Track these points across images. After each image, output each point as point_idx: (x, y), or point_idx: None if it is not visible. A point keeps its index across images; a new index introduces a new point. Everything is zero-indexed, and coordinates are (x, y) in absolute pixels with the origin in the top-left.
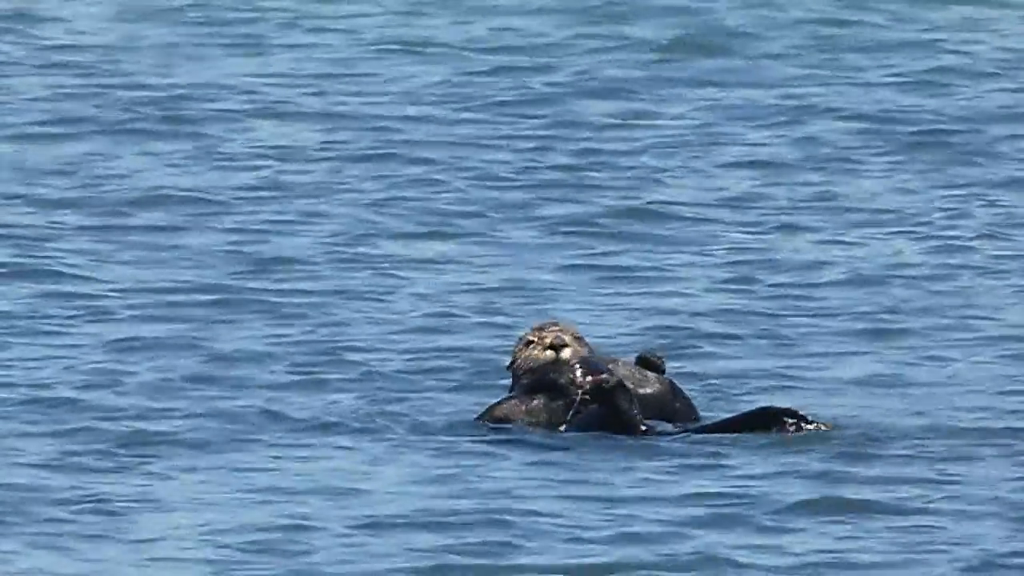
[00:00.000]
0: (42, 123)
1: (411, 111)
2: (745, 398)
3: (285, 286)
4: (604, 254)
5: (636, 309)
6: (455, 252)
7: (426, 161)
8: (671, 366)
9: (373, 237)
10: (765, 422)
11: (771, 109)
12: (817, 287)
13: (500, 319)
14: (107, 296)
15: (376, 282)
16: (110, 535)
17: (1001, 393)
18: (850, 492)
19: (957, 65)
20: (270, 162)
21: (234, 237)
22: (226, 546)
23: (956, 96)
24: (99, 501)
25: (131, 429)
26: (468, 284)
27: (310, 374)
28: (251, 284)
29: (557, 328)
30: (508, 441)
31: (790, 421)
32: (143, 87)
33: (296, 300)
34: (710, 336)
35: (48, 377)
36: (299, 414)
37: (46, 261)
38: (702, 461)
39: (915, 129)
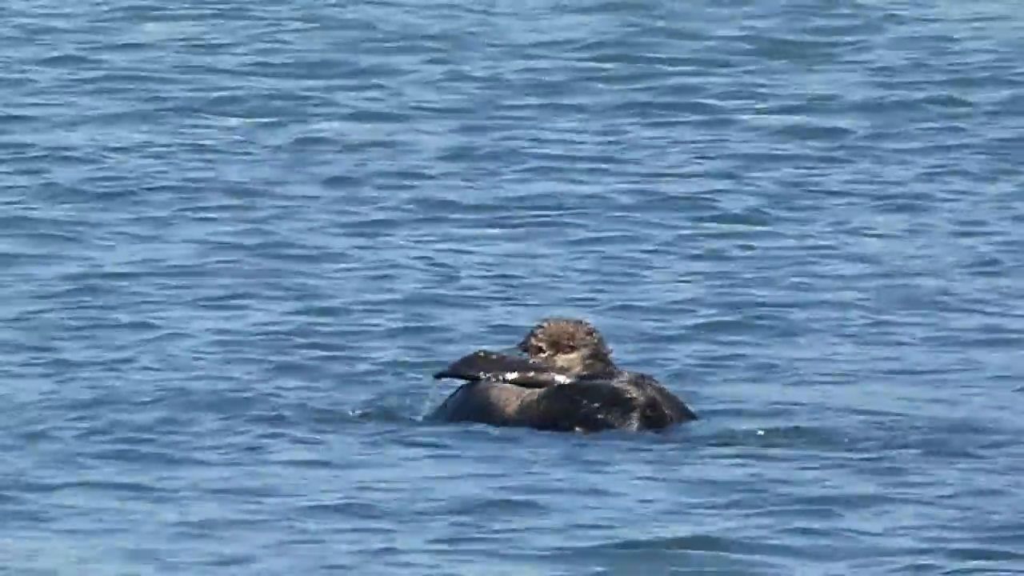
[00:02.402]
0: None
1: (411, 105)
2: (743, 388)
3: (282, 277)
4: (601, 244)
5: (628, 300)
6: (451, 241)
7: (418, 152)
8: (671, 359)
9: (369, 227)
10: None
11: (765, 99)
12: (813, 278)
13: (493, 312)
14: (106, 278)
15: (371, 271)
16: (108, 530)
17: (995, 385)
18: (848, 483)
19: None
20: (269, 153)
21: (231, 227)
22: (229, 536)
23: (948, 83)
24: (98, 493)
25: (122, 419)
26: (461, 274)
27: (308, 366)
28: (247, 276)
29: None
30: (505, 431)
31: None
32: (143, 76)
33: (293, 292)
34: (707, 327)
35: (54, 358)
36: (296, 405)
37: (47, 248)
38: (706, 452)
39: (912, 121)
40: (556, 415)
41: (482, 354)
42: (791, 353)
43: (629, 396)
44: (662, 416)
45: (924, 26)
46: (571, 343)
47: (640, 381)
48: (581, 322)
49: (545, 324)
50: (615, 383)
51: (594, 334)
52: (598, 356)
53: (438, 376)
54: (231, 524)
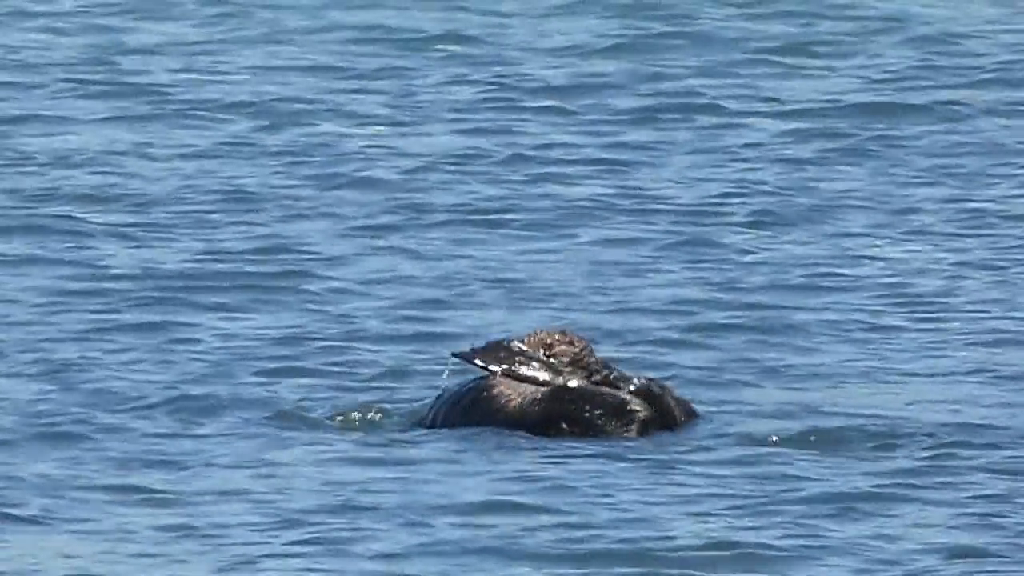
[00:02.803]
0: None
1: (414, 108)
2: (743, 391)
3: (284, 279)
4: (603, 247)
5: (630, 302)
6: (454, 244)
7: (421, 155)
8: (674, 362)
9: (371, 230)
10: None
11: (769, 102)
12: (816, 279)
13: (496, 315)
14: (111, 281)
15: (373, 274)
16: (108, 532)
17: (997, 386)
18: (851, 484)
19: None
20: (272, 156)
21: (234, 230)
22: (230, 538)
23: (941, 91)
24: (98, 495)
25: (122, 422)
26: (464, 277)
27: (309, 369)
28: (250, 279)
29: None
30: (505, 432)
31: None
32: (146, 79)
33: (295, 295)
34: (709, 329)
35: (59, 360)
36: (296, 407)
37: (63, 249)
38: (712, 455)
39: (916, 124)
40: (557, 416)
41: (504, 344)
42: (793, 355)
43: (633, 409)
44: (668, 429)
45: (928, 27)
46: (547, 354)
47: (651, 393)
48: (563, 332)
49: (524, 338)
50: (623, 394)
51: (575, 343)
52: (579, 364)
53: (455, 354)
54: (232, 526)
